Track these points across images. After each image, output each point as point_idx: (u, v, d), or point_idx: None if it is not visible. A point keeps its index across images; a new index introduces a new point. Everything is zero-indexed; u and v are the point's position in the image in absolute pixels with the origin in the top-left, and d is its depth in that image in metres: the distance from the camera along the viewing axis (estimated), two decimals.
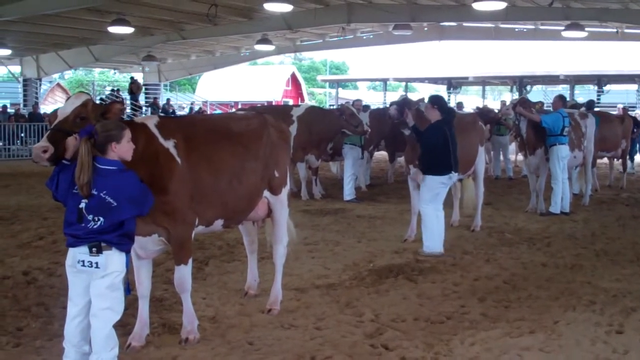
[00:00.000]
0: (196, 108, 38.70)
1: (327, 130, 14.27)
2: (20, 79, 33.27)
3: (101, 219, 4.63)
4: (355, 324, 6.33)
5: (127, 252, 4.83)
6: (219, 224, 6.05)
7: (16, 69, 33.68)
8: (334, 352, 5.58)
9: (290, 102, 47.67)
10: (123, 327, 5.76)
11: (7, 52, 28.34)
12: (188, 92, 55.25)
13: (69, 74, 61.09)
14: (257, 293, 7.17)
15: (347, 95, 50.48)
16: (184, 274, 5.71)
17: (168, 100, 36.59)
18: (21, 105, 32.10)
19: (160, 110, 31.71)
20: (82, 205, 4.62)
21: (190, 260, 5.73)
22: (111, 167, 4.69)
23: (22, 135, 26.25)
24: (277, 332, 6.11)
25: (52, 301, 6.89)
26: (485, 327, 6.23)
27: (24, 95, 32.98)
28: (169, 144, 5.55)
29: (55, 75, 56.11)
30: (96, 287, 4.70)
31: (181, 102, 42.11)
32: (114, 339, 4.79)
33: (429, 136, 9.14)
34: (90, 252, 4.63)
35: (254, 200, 6.32)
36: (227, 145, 6.02)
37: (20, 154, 25.45)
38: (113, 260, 4.70)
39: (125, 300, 4.96)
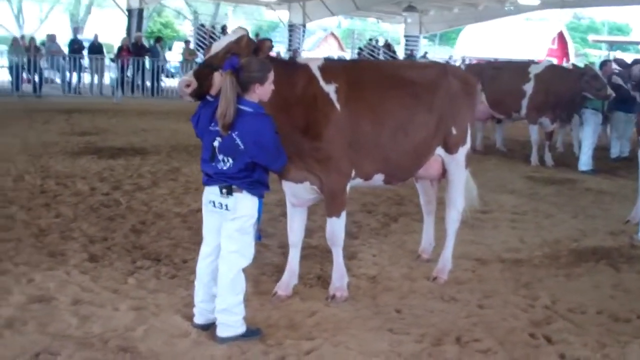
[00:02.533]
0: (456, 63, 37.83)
1: (566, 91, 13.00)
2: (286, 25, 34.78)
3: (230, 160, 4.47)
4: (524, 308, 5.63)
5: (260, 197, 4.64)
6: (379, 178, 5.65)
7: (284, 14, 35.27)
8: (484, 336, 4.99)
9: (554, 61, 44.86)
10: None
11: None
12: (448, 46, 54.38)
13: (345, 23, 62.63)
14: (430, 258, 6.67)
15: (629, 58, 46.10)
16: (336, 227, 5.43)
17: (425, 53, 36.14)
18: (284, 50, 33.60)
19: None
20: (216, 143, 4.50)
21: (343, 213, 5.43)
22: (248, 109, 4.48)
23: None
24: (432, 303, 5.62)
25: None
26: None
27: (289, 41, 34.46)
28: (330, 88, 5.23)
29: (334, 24, 58.09)
30: (226, 229, 4.58)
31: (441, 55, 41.39)
32: (240, 284, 4.66)
33: None
34: (221, 193, 4.52)
35: (421, 157, 5.81)
36: (395, 95, 5.55)
37: None
38: (244, 203, 4.53)
39: (256, 245, 4.80)
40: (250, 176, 4.51)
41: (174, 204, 8.48)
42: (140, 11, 29.01)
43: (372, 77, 5.59)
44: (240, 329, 4.68)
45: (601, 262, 6.99)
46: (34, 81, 21.48)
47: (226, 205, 4.52)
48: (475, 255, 7.00)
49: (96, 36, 24.34)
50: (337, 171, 5.25)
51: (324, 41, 62.41)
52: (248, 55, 4.75)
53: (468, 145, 6.09)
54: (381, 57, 31.69)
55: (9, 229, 6.97)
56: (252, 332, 4.74)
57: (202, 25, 30.67)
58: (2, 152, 11.27)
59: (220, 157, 4.49)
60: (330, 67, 5.40)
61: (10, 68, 21.42)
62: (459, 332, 5.02)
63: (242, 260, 4.63)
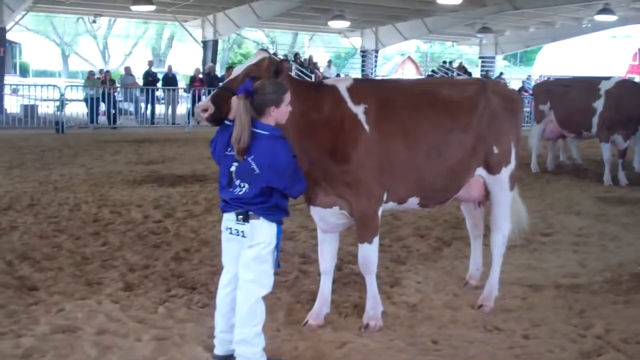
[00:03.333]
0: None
1: (638, 107, 12.36)
2: (359, 51, 34.80)
3: (246, 185, 4.32)
4: (574, 338, 5.21)
5: (279, 224, 4.44)
6: (414, 202, 5.37)
7: (357, 41, 35.31)
8: None
9: (637, 78, 43.07)
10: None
11: (345, 24, 29.75)
12: (523, 66, 53.15)
13: (424, 47, 62.06)
14: (479, 284, 6.29)
15: None
16: (368, 253, 5.17)
17: (501, 73, 35.38)
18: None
19: None
20: (233, 168, 4.35)
21: (376, 239, 5.17)
22: (263, 132, 4.31)
23: None
24: (474, 334, 5.27)
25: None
26: None
27: (362, 66, 34.45)
28: (358, 110, 5.02)
29: (412, 49, 57.53)
30: (243, 257, 4.42)
31: (517, 75, 40.51)
32: (259, 314, 4.46)
33: None
34: (237, 219, 4.35)
35: (459, 179, 5.49)
36: (428, 113, 5.29)
37: None
38: (261, 230, 4.35)
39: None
40: (267, 201, 4.33)
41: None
42: (215, 43, 29.65)
43: (404, 96, 5.35)
44: None
45: None
46: (109, 113, 22.07)
47: (242, 232, 4.35)
48: (529, 281, 6.59)
49: (170, 67, 24.93)
50: (367, 195, 5.02)
51: (401, 66, 62.19)
52: (269, 77, 4.61)
53: (513, 165, 5.73)
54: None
55: (52, 258, 6.98)
56: None
57: (275, 55, 30.86)
58: (65, 182, 11.50)
59: (238, 182, 4.34)
60: (360, 87, 5.19)
61: (86, 100, 22.07)
62: None
63: (259, 289, 4.44)
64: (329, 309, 5.45)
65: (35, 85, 24.75)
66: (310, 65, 29.00)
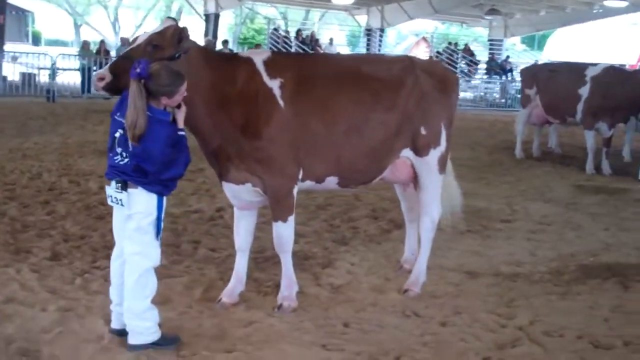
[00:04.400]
0: None
1: (627, 95, 12.06)
2: (364, 29, 34.39)
3: (126, 157, 4.17)
4: (493, 328, 5.05)
5: (160, 195, 4.28)
6: (332, 181, 5.20)
7: (362, 19, 34.86)
8: (427, 357, 4.48)
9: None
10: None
11: (349, 0, 29.38)
12: (533, 50, 52.34)
13: (442, 28, 61.09)
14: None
15: None
16: (282, 232, 5.02)
17: (507, 57, 34.87)
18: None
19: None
20: (117, 134, 4.21)
21: (291, 218, 5.01)
22: (149, 114, 4.15)
23: None
24: (390, 319, 5.12)
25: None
26: None
27: (367, 45, 34.03)
28: (274, 84, 4.85)
29: (429, 29, 56.69)
30: (126, 228, 4.30)
31: (524, 60, 39.84)
32: (146, 287, 4.33)
33: None
34: (116, 187, 4.22)
35: (382, 159, 5.30)
36: (349, 90, 5.09)
37: None
38: (139, 200, 4.23)
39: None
40: (145, 176, 4.19)
41: (174, 204, 8.24)
42: (217, 16, 29.33)
43: (325, 72, 5.15)
44: (152, 336, 4.34)
45: (611, 280, 6.25)
46: None
47: (121, 201, 4.23)
48: (469, 268, 6.42)
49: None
50: (280, 173, 4.86)
51: (415, 46, 61.51)
52: (173, 45, 4.45)
53: (443, 147, 5.52)
54: (460, 61, 30.84)
55: None
56: (168, 341, 4.40)
57: (276, 30, 30.66)
58: (36, 151, 11.40)
59: (119, 150, 4.21)
60: (277, 60, 5.02)
61: (82, 70, 21.96)
62: (400, 352, 4.52)
63: (145, 261, 4.30)
64: (244, 287, 5.31)
65: (28, 54, 24.66)
66: (312, 42, 28.68)
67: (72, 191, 8.65)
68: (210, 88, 4.63)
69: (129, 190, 4.21)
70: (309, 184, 5.12)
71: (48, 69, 21.69)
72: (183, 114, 4.33)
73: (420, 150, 5.42)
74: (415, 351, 4.55)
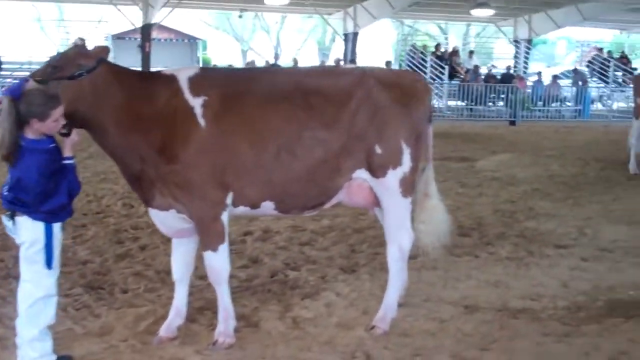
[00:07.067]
0: None
1: None
2: (511, 40, 32.88)
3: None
4: None
5: (47, 222, 4.10)
6: (269, 206, 4.76)
7: (509, 30, 33.36)
8: None
9: None
10: None
11: (489, 12, 28.23)
12: None
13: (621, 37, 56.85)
14: (402, 300, 5.47)
15: None
16: (212, 263, 4.67)
17: None
18: (512, 66, 31.70)
19: None
20: None
21: (222, 247, 4.65)
22: (22, 143, 4.02)
23: (493, 95, 25.89)
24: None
25: None
26: None
27: (515, 58, 32.49)
28: (196, 102, 4.54)
29: (607, 38, 52.80)
30: (20, 257, 4.18)
31: None
32: (39, 316, 4.20)
33: None
34: (7, 217, 4.15)
35: (324, 182, 4.77)
36: (281, 108, 4.65)
37: (483, 114, 25.22)
38: (24, 228, 4.10)
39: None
40: (26, 204, 4.04)
41: None
42: (355, 35, 29.30)
43: (258, 88, 4.74)
44: None
45: (634, 319, 5.32)
46: None
47: (10, 229, 4.15)
48: (473, 301, 5.70)
49: (295, 60, 25.03)
50: (201, 198, 4.53)
51: (587, 55, 58.05)
52: (71, 66, 4.29)
53: (406, 167, 4.90)
54: (611, 70, 28.70)
55: None
56: None
57: (413, 47, 30.10)
58: None
59: (8, 178, 4.14)
60: (204, 77, 4.70)
61: None
62: None
63: (35, 290, 4.17)
64: (183, 320, 4.98)
65: None
66: (450, 56, 27.75)
67: None
68: (122, 108, 4.42)
69: (16, 218, 4.12)
70: (243, 209, 4.74)
71: None
72: (70, 141, 4.16)
73: (376, 171, 4.85)
74: None
